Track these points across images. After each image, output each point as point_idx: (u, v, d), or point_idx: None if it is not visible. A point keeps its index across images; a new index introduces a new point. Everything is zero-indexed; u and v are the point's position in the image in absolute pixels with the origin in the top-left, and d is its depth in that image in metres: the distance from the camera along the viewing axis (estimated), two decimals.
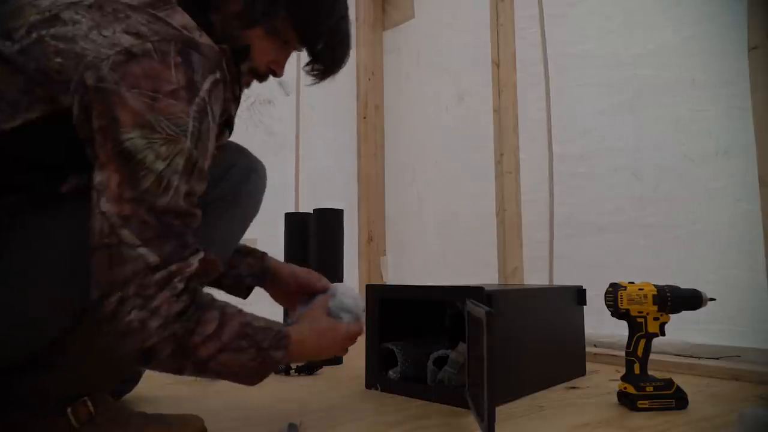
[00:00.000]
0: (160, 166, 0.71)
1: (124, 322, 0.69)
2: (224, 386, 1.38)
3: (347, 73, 2.76)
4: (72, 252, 0.73)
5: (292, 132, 2.46)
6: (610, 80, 1.83)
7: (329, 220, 1.74)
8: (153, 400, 1.18)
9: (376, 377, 1.30)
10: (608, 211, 1.82)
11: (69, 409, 0.81)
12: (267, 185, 1.03)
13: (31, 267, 0.74)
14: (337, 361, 1.66)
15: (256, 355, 0.79)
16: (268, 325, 0.83)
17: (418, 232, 2.53)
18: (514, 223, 2.06)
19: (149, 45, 0.71)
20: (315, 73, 0.96)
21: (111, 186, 0.70)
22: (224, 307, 0.79)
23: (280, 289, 1.12)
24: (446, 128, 2.41)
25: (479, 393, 0.90)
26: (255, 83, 0.94)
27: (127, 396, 1.16)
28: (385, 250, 2.71)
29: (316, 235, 1.74)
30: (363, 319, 1.04)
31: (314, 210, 1.77)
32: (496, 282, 2.06)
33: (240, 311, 0.81)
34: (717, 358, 1.48)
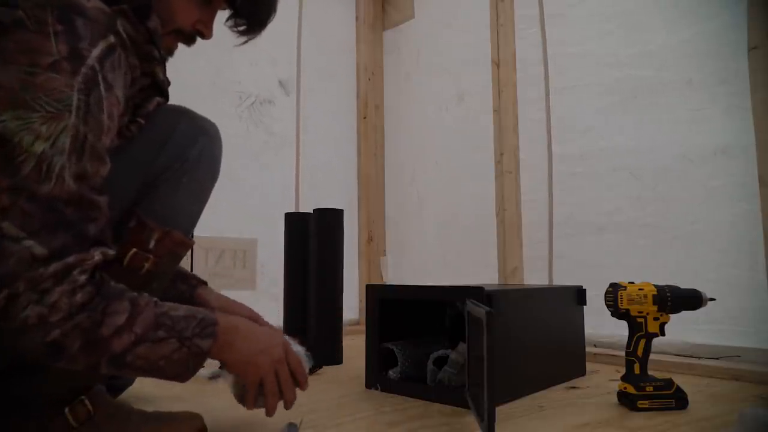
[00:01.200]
0: (41, 147, 0.64)
1: (19, 318, 0.63)
2: (225, 386, 1.37)
3: (347, 73, 2.81)
4: None
5: (292, 132, 2.46)
6: (609, 80, 1.83)
7: (329, 220, 1.74)
8: (152, 398, 1.18)
9: (376, 377, 1.30)
10: (607, 210, 1.82)
11: (67, 409, 0.80)
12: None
13: None
14: (337, 360, 1.66)
15: (179, 346, 0.73)
16: (191, 313, 0.77)
17: (418, 232, 2.53)
18: (514, 223, 2.06)
19: (20, 13, 0.64)
20: (239, 29, 0.93)
21: None
22: (136, 297, 0.73)
23: None
24: (446, 128, 2.41)
25: (479, 393, 0.90)
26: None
27: (127, 394, 1.16)
28: (385, 250, 2.71)
29: (316, 235, 1.74)
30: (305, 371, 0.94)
31: (314, 210, 1.77)
32: (496, 282, 2.06)
33: (156, 301, 0.75)
34: (717, 358, 1.48)
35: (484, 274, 2.12)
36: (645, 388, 1.10)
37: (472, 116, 2.27)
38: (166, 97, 0.88)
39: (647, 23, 1.75)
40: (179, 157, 0.86)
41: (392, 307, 1.35)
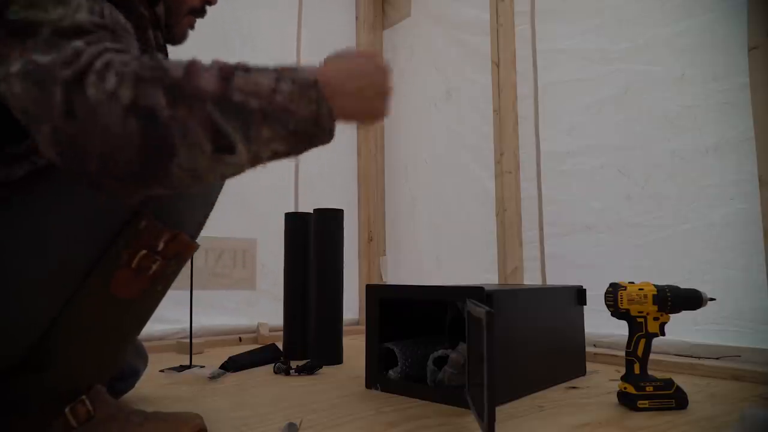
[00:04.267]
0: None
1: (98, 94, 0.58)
2: (224, 386, 1.38)
3: None
4: (42, 242, 0.72)
5: None
6: (599, 75, 1.82)
7: (329, 220, 1.74)
8: (153, 399, 1.18)
9: (376, 377, 1.30)
10: (597, 209, 1.81)
11: (67, 409, 0.80)
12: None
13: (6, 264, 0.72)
14: (337, 360, 1.66)
15: (277, 76, 0.65)
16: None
17: (418, 232, 2.53)
18: (514, 223, 2.06)
19: None
20: None
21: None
22: None
23: None
24: (445, 128, 2.41)
25: (479, 393, 0.90)
26: None
27: (127, 395, 1.16)
28: (385, 250, 2.71)
29: (316, 235, 1.74)
30: None
31: (314, 210, 1.77)
32: (496, 282, 2.06)
33: None
34: (717, 358, 1.48)
35: (484, 274, 2.13)
36: (645, 388, 1.10)
37: (472, 115, 2.27)
38: None
39: (638, 15, 1.73)
40: None
41: (392, 307, 1.35)
